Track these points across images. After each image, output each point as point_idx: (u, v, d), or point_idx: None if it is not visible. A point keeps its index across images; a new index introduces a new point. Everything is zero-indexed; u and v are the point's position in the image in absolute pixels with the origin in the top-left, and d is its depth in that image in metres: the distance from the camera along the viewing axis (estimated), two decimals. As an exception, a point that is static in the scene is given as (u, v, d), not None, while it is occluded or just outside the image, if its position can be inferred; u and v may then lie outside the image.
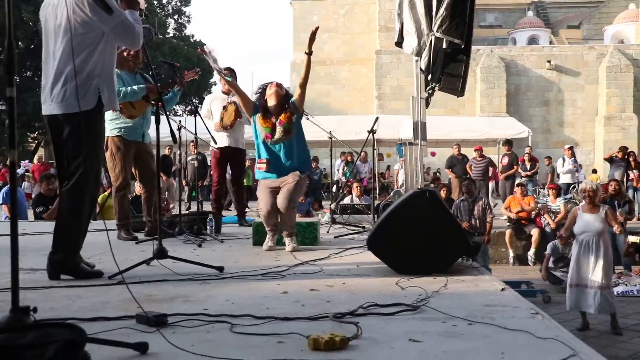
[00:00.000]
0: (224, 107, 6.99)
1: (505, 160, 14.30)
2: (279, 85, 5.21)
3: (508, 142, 14.75)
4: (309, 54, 5.02)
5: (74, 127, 3.41)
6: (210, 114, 7.25)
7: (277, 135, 5.08)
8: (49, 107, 3.51)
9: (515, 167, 14.21)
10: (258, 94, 5.29)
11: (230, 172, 7.40)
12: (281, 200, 4.99)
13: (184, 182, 13.17)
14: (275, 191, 5.11)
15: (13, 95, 1.98)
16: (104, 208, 8.54)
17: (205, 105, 7.31)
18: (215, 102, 7.25)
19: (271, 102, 5.14)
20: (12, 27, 1.97)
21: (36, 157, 22.64)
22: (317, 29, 4.99)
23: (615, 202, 10.47)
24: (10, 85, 1.97)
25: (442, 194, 11.27)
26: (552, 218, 11.49)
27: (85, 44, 3.43)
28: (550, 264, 9.61)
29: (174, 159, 14.04)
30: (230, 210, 8.77)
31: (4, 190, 9.69)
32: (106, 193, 9.05)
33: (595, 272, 6.63)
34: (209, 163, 12.91)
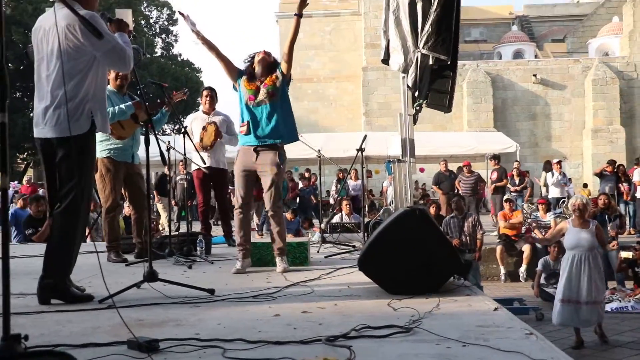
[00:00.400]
0: (204, 128, 6.97)
1: (495, 175, 14.39)
2: (266, 53, 5.15)
3: (495, 157, 14.86)
4: (299, 15, 4.94)
5: (67, 151, 3.44)
6: (191, 133, 7.25)
7: (260, 97, 5.01)
8: (42, 130, 3.54)
9: (504, 180, 14.30)
10: (247, 63, 5.21)
11: (213, 192, 7.39)
12: (267, 201, 4.95)
13: (173, 202, 13.13)
14: (251, 176, 5.04)
15: (5, 120, 1.99)
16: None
17: (186, 123, 7.31)
18: (195, 121, 7.25)
19: (258, 68, 5.09)
20: (4, 52, 1.99)
21: (25, 177, 22.48)
22: None
23: (606, 216, 10.54)
24: (1, 111, 1.99)
25: (432, 211, 11.31)
26: (543, 233, 11.55)
27: (77, 69, 3.47)
28: (542, 280, 9.65)
29: (157, 178, 14.02)
30: (219, 224, 8.74)
31: (10, 211, 9.66)
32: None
33: (587, 288, 6.64)
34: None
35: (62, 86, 3.43)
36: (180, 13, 5.18)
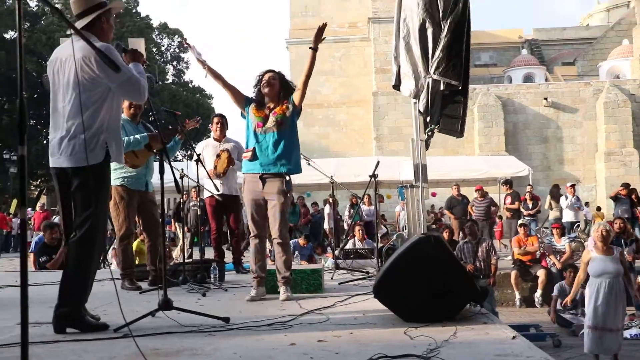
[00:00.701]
0: (218, 155, 7.04)
1: (509, 200, 14.33)
2: (272, 76, 5.10)
3: (508, 182, 14.80)
4: (314, 49, 4.91)
5: (82, 180, 3.48)
6: (203, 160, 7.28)
7: (268, 124, 5.00)
8: (58, 160, 3.59)
9: (517, 203, 14.23)
10: (256, 86, 5.19)
11: (226, 219, 7.42)
12: (274, 229, 4.94)
13: (185, 228, 13.15)
14: (261, 204, 5.02)
15: (24, 153, 2.02)
16: (139, 255, 8.55)
17: (197, 151, 7.37)
18: (207, 149, 7.32)
19: (267, 97, 5.09)
20: (23, 87, 2.03)
21: (38, 204, 22.72)
22: (324, 25, 4.87)
23: (622, 240, 10.44)
24: (21, 144, 2.02)
25: (445, 235, 11.26)
26: (558, 258, 11.44)
27: (92, 100, 3.52)
28: (558, 306, 9.54)
29: (175, 206, 14.06)
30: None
31: (35, 239, 9.72)
32: (140, 239, 9.06)
33: (613, 315, 6.61)
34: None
35: (77, 117, 3.48)
36: (187, 43, 5.25)
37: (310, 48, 4.93)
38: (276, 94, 5.09)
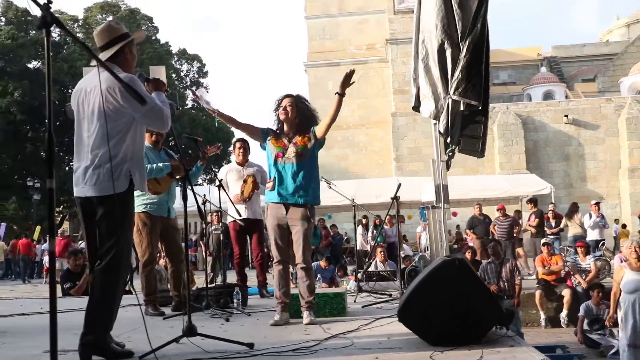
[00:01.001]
0: (244, 181, 7.09)
1: (533, 218, 14.18)
2: (290, 102, 5.08)
3: (533, 201, 14.63)
4: (341, 95, 4.89)
5: (107, 209, 3.52)
6: (226, 185, 7.34)
7: (288, 154, 5.02)
8: (82, 189, 3.64)
9: (536, 220, 14.08)
10: (275, 115, 5.18)
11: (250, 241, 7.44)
12: (298, 254, 4.95)
13: (207, 252, 13.21)
14: (284, 229, 5.02)
15: (53, 186, 2.06)
16: None
17: (219, 176, 7.42)
18: (230, 174, 7.36)
19: (286, 126, 5.09)
20: (52, 121, 2.08)
21: (59, 230, 22.99)
22: (352, 71, 4.80)
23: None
24: (50, 177, 2.06)
25: (468, 256, 11.17)
26: (583, 277, 11.27)
27: (117, 130, 3.57)
28: (585, 326, 9.38)
29: (196, 230, 14.13)
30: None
31: (57, 266, 9.81)
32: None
33: None
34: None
35: (102, 147, 3.53)
36: (195, 94, 5.28)
37: (336, 94, 4.89)
38: (293, 121, 5.10)
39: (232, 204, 6.69)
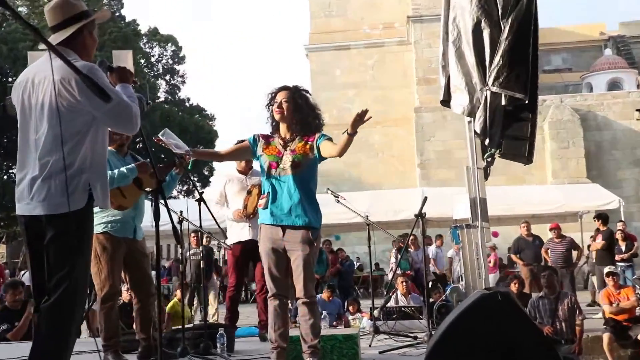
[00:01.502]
0: (248, 192, 7.11)
1: (600, 239, 14.05)
2: (286, 97, 5.11)
3: (602, 217, 14.49)
4: (351, 134, 4.87)
5: (60, 231, 3.50)
6: (225, 199, 7.38)
7: (283, 164, 5.08)
8: (28, 206, 3.60)
9: (603, 242, 14.01)
10: (269, 112, 5.23)
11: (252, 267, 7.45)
12: (299, 287, 4.98)
13: (184, 282, 13.21)
14: (282, 255, 5.06)
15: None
16: (173, 318, 8.64)
17: (216, 188, 7.44)
18: (230, 184, 7.37)
19: (276, 115, 5.14)
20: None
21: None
22: (365, 111, 4.82)
23: None
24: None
25: (513, 288, 11.12)
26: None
27: (73, 131, 3.56)
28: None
29: (169, 254, 14.15)
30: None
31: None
32: (177, 299, 9.17)
33: None
34: (217, 257, 12.98)
35: (54, 153, 3.51)
36: (157, 139, 5.25)
37: (346, 133, 4.88)
38: (290, 121, 5.15)
39: (217, 224, 6.70)
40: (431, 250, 16.98)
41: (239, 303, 7.59)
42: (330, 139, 5.15)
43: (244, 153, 5.43)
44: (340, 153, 5.02)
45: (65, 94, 3.53)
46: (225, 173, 7.92)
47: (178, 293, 10.18)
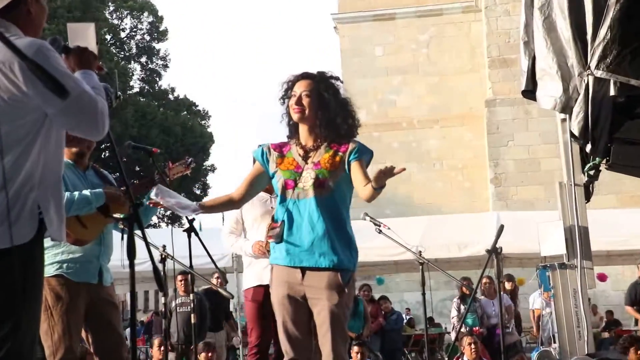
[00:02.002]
0: (275, 220, 7.11)
1: None
2: (307, 91, 5.11)
3: None
4: (376, 189, 4.93)
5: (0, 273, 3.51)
6: (242, 226, 7.40)
7: (302, 183, 5.06)
8: None
9: None
10: (284, 108, 5.27)
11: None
12: (325, 349, 4.97)
13: (168, 344, 13.24)
14: (302, 306, 5.07)
15: None
16: None
17: (231, 214, 7.35)
18: (250, 207, 7.31)
19: (294, 115, 5.14)
20: None
21: None
22: (391, 169, 4.88)
23: None
24: None
25: (634, 356, 11.00)
26: None
27: (16, 136, 3.53)
28: None
29: (147, 305, 14.18)
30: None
31: None
32: None
33: None
34: (210, 307, 12.99)
35: None
36: (153, 203, 5.28)
37: (370, 185, 4.96)
38: (314, 122, 5.13)
39: (215, 264, 6.70)
40: (507, 298, 16.87)
41: None
42: (362, 160, 5.14)
43: (261, 181, 5.36)
44: (367, 199, 5.04)
45: (5, 83, 3.49)
46: None
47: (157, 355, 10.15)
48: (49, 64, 3.36)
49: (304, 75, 5.21)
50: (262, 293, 7.15)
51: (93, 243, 5.86)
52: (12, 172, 3.52)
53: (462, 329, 13.37)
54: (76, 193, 5.67)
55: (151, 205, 5.21)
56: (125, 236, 4.14)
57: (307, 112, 5.09)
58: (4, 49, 3.28)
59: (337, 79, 5.29)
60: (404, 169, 4.89)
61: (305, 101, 5.08)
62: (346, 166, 5.09)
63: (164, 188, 5.24)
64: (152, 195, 5.20)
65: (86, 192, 5.72)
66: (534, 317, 17.40)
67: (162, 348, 11.85)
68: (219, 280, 12.59)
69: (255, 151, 5.37)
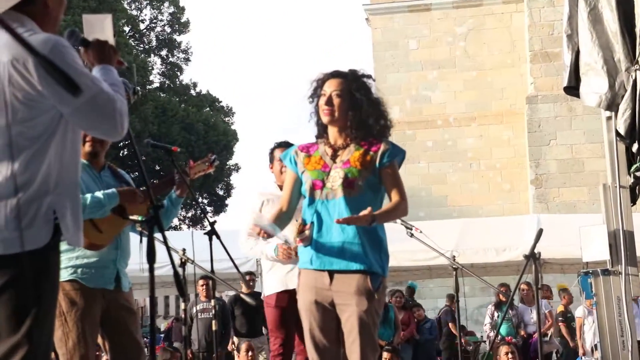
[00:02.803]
0: (303, 221, 7.12)
1: None
2: (337, 90, 5.12)
3: None
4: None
5: (11, 280, 3.51)
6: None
7: (332, 183, 5.08)
8: None
9: None
10: (313, 107, 5.28)
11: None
12: (353, 357, 4.98)
13: (189, 352, 13.25)
14: (329, 312, 5.09)
15: None
16: None
17: (248, 215, 7.37)
18: (271, 207, 7.29)
19: (324, 118, 5.15)
20: None
21: None
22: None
23: None
24: None
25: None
26: None
27: (30, 136, 3.53)
28: None
29: (168, 311, 14.22)
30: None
31: None
32: None
33: None
34: (237, 313, 13.01)
35: (1, 166, 3.49)
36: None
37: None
38: (344, 124, 5.13)
39: (237, 268, 6.71)
40: (545, 304, 16.76)
41: None
42: (394, 164, 5.17)
43: (300, 185, 5.32)
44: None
45: (19, 81, 3.48)
46: (260, 191, 7.83)
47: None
48: (64, 62, 3.35)
49: (335, 74, 5.21)
50: (287, 299, 7.16)
51: (109, 247, 5.87)
52: (26, 175, 3.52)
53: (497, 338, 13.34)
54: (88, 195, 5.64)
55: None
56: (144, 239, 4.14)
57: (337, 113, 5.09)
58: (17, 46, 3.27)
59: (369, 77, 5.28)
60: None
61: (335, 101, 5.09)
62: (377, 166, 5.08)
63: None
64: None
65: (99, 193, 5.71)
66: (580, 327, 17.37)
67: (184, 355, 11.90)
68: (251, 282, 12.59)
69: (283, 157, 5.41)
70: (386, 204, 5.13)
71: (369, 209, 4.81)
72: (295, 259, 7.05)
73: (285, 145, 7.44)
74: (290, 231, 7.08)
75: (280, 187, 7.42)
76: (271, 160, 7.55)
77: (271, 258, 7.17)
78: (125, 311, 5.96)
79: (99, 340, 5.99)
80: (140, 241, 5.57)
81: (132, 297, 6.09)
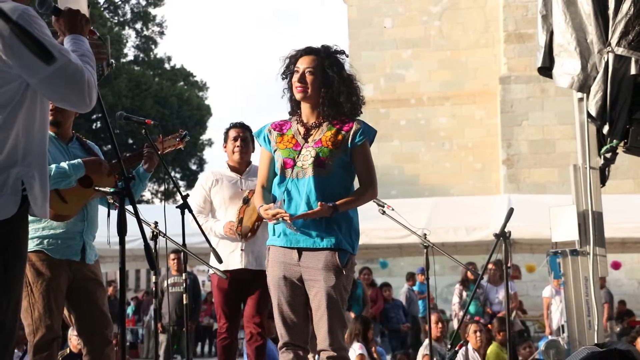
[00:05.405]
0: (245, 200, 7.10)
1: None
2: (310, 67, 5.12)
3: None
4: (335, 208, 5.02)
5: None
6: (211, 206, 7.45)
7: (302, 161, 5.09)
8: None
9: None
10: (286, 83, 5.30)
11: (246, 310, 7.49)
12: (321, 334, 5.00)
13: (159, 326, 13.23)
14: (298, 287, 5.11)
15: None
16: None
17: (198, 192, 7.45)
18: (219, 187, 7.38)
19: (298, 95, 5.16)
20: None
21: None
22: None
23: None
24: None
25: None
26: None
27: None
28: None
29: (138, 285, 14.21)
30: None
31: None
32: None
33: None
34: (203, 290, 13.00)
35: None
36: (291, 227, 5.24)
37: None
38: (316, 101, 5.14)
39: (208, 241, 6.69)
40: (511, 284, 16.84)
41: (235, 351, 7.59)
42: (365, 145, 5.20)
43: (274, 163, 5.32)
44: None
45: None
46: (211, 170, 7.88)
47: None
48: (34, 27, 3.35)
49: (308, 51, 5.21)
50: (230, 279, 7.16)
51: (76, 219, 5.86)
52: None
53: (466, 317, 13.38)
54: (53, 166, 5.61)
55: (288, 221, 5.17)
56: (112, 212, 4.12)
57: (310, 90, 5.11)
58: None
59: (342, 53, 5.30)
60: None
61: (308, 78, 5.11)
62: (349, 146, 5.10)
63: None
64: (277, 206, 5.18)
65: (64, 164, 5.69)
66: (547, 306, 17.49)
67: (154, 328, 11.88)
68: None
69: (257, 136, 5.42)
70: (353, 192, 5.17)
71: (320, 203, 4.88)
72: (238, 239, 7.08)
73: (240, 126, 7.49)
74: (233, 211, 7.15)
75: (231, 167, 7.43)
76: (225, 140, 7.62)
77: (218, 235, 7.21)
78: (91, 282, 5.95)
79: (65, 312, 5.95)
80: (108, 215, 5.52)
81: (98, 269, 6.06)
